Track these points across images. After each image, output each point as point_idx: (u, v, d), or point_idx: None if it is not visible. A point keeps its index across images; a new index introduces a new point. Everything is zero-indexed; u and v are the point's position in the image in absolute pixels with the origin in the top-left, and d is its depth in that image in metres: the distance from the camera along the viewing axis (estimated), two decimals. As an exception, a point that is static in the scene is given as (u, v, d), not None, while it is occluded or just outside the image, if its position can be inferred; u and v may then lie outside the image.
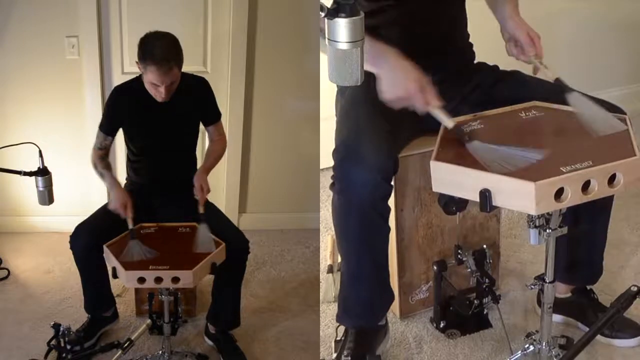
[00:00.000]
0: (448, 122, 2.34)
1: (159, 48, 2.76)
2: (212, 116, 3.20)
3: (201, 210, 2.93)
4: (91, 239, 2.87)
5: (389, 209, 2.53)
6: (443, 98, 2.45)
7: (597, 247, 2.83)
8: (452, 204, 2.43)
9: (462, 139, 2.28)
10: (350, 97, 2.67)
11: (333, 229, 2.65)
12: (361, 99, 2.60)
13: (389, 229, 2.60)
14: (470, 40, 2.85)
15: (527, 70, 2.74)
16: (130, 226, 2.86)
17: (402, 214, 2.82)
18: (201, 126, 3.20)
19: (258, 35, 4.05)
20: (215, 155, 3.21)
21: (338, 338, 2.78)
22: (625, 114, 2.46)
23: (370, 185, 2.37)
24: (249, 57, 4.07)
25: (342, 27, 1.78)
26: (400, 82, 2.33)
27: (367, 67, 2.33)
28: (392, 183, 2.51)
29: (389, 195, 2.48)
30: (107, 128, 3.02)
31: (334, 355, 2.71)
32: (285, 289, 3.75)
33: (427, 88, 2.34)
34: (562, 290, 2.90)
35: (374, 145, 2.40)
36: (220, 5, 3.97)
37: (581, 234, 2.67)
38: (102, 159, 3.03)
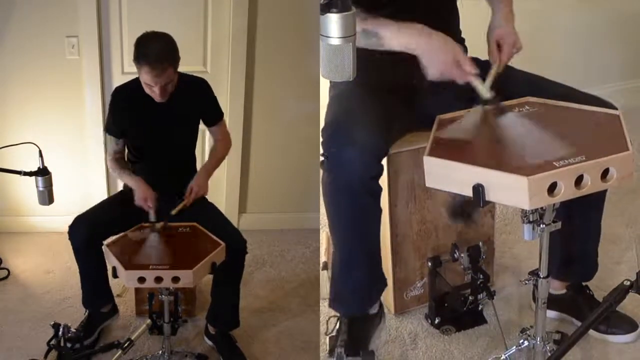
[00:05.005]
0: (485, 92, 2.39)
1: (153, 49, 2.77)
2: (214, 116, 3.21)
3: (174, 211, 2.99)
4: (90, 230, 2.90)
5: (380, 189, 2.51)
6: (437, 92, 2.46)
7: (590, 244, 2.83)
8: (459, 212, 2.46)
9: (500, 111, 2.35)
10: (342, 90, 2.68)
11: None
12: (353, 88, 2.60)
13: (380, 210, 2.58)
14: (462, 35, 2.86)
15: (519, 65, 2.76)
16: (152, 218, 2.91)
17: (396, 210, 2.82)
18: (201, 126, 3.21)
19: (258, 35, 4.05)
20: (217, 156, 3.23)
21: (330, 333, 2.79)
22: (616, 109, 2.47)
23: (359, 163, 2.36)
24: (249, 57, 4.08)
25: (334, 23, 1.78)
26: (438, 56, 2.38)
27: (403, 48, 2.40)
28: (384, 171, 2.51)
29: (380, 174, 2.46)
30: (116, 130, 3.05)
31: (328, 349, 2.71)
32: (285, 289, 3.75)
33: (463, 57, 2.39)
34: (557, 287, 2.91)
35: (364, 123, 2.40)
36: (221, 6, 3.98)
37: (574, 231, 2.68)
38: (118, 161, 3.09)
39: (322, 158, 2.46)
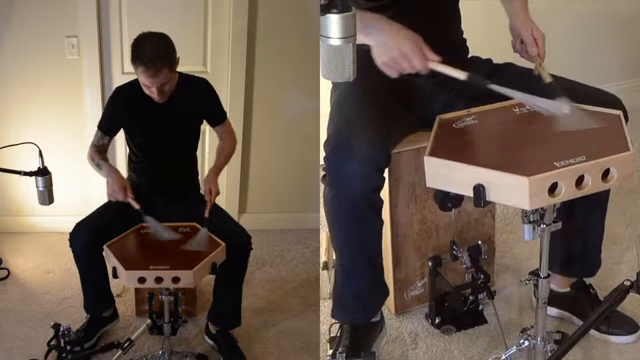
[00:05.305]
0: (458, 73, 2.33)
1: (147, 50, 2.76)
2: (217, 116, 3.20)
3: (206, 214, 2.93)
4: (91, 237, 2.88)
5: (381, 202, 2.51)
6: (438, 92, 2.45)
7: (593, 240, 2.83)
8: (447, 201, 2.44)
9: (481, 85, 2.31)
10: (343, 90, 2.67)
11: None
12: (354, 93, 2.59)
13: (382, 222, 2.59)
14: (464, 35, 2.87)
15: (521, 62, 2.76)
16: (137, 206, 2.89)
17: (397, 210, 2.82)
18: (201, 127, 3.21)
19: (258, 35, 4.05)
20: (224, 154, 3.21)
21: (332, 335, 2.78)
22: (622, 104, 2.47)
23: (361, 176, 2.35)
24: (249, 57, 4.08)
25: (334, 23, 1.78)
26: (392, 42, 2.34)
27: (359, 39, 2.35)
28: (385, 175, 2.49)
29: (381, 187, 2.46)
30: (105, 127, 3.04)
31: (329, 352, 2.71)
32: (285, 289, 3.75)
33: (422, 45, 2.35)
34: (561, 284, 2.91)
35: (365, 136, 2.39)
36: (221, 6, 3.98)
37: (577, 228, 2.68)
38: (99, 153, 3.04)
39: (322, 173, 2.46)
